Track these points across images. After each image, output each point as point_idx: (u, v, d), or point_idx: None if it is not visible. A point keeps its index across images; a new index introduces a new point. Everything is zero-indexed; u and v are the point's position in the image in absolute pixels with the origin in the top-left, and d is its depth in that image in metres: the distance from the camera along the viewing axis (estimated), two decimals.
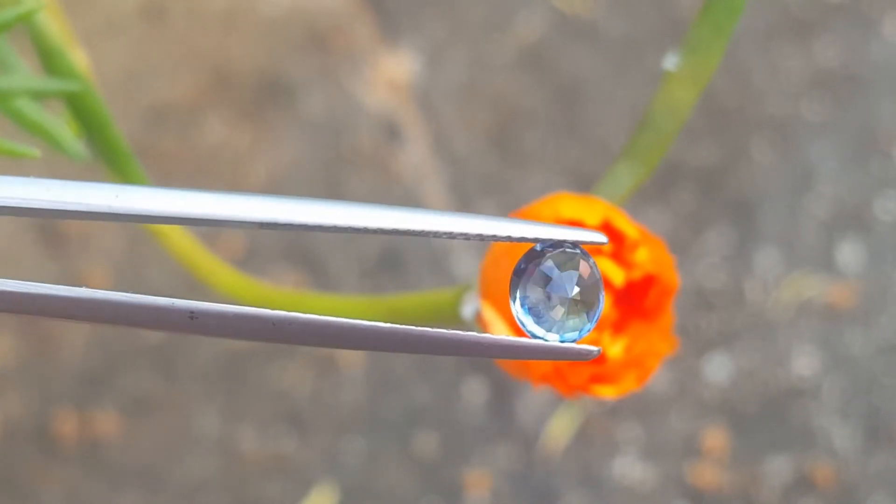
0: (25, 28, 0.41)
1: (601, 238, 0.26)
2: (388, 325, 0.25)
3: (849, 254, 1.03)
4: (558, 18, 1.14)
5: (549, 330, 0.26)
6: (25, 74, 0.41)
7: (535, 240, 0.25)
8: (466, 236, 0.25)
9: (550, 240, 0.26)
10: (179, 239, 0.49)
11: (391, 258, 1.02)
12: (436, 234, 0.25)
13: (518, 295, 0.26)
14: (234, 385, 0.99)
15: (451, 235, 0.25)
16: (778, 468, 0.96)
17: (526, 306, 0.26)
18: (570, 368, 0.35)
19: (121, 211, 0.24)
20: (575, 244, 0.26)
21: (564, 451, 0.97)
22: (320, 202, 0.24)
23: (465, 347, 0.25)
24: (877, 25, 1.13)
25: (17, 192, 0.23)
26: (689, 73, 0.39)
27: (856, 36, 1.12)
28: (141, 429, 0.97)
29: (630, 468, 0.97)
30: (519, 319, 0.26)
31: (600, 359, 0.35)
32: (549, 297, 0.26)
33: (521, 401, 0.98)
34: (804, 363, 1.00)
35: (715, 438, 0.97)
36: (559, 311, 0.26)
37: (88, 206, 0.24)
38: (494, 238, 0.25)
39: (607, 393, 0.36)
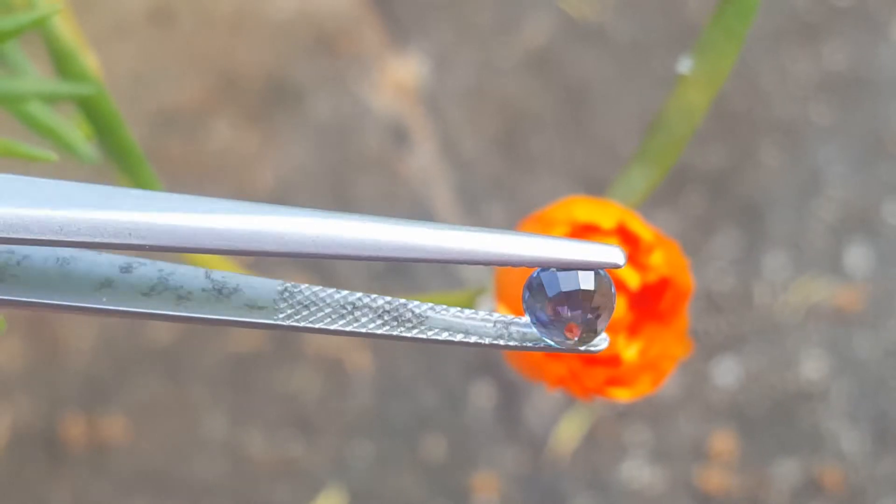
0: (36, 33, 0.41)
1: (619, 260, 0.25)
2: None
3: (857, 257, 1.03)
4: (566, 22, 1.14)
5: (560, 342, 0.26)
6: (36, 78, 0.41)
7: (551, 262, 0.25)
8: (478, 261, 0.24)
9: (566, 262, 0.25)
10: None
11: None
12: (445, 261, 0.24)
13: (529, 309, 0.26)
14: (241, 389, 0.99)
15: (461, 261, 0.24)
16: (786, 472, 0.96)
17: (536, 320, 0.26)
18: (586, 371, 0.35)
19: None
20: (591, 266, 0.25)
21: (572, 454, 0.97)
22: (323, 221, 0.24)
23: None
24: (885, 29, 1.13)
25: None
26: (703, 76, 0.39)
27: (864, 39, 1.12)
28: (148, 433, 0.97)
29: (638, 472, 0.97)
30: (534, 326, 0.26)
31: (615, 361, 0.35)
32: (559, 318, 0.25)
33: (529, 404, 0.98)
34: (812, 366, 1.00)
35: (723, 442, 0.97)
36: (569, 339, 0.26)
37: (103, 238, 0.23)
38: (506, 263, 0.25)
39: (622, 395, 0.36)
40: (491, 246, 0.24)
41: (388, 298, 0.25)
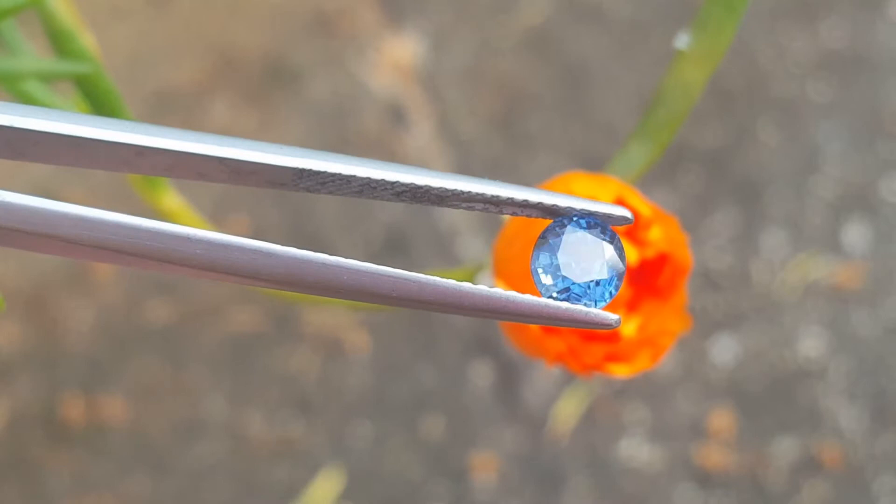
0: (33, 13, 0.41)
1: (627, 213, 0.26)
2: (426, 276, 0.25)
3: (855, 235, 1.03)
4: (563, 0, 1.13)
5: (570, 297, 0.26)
6: (34, 57, 0.41)
7: (562, 210, 0.25)
8: (496, 201, 0.25)
9: (576, 211, 0.25)
10: (189, 220, 0.49)
11: (397, 240, 1.02)
12: (467, 199, 0.25)
13: (540, 263, 0.26)
14: (240, 369, 0.99)
15: (480, 201, 0.25)
16: (785, 449, 0.96)
17: (550, 275, 0.26)
18: (585, 347, 0.35)
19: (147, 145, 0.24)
20: (599, 219, 0.26)
21: (571, 433, 0.97)
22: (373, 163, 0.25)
23: (490, 308, 0.25)
24: (883, 7, 1.13)
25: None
26: (701, 51, 0.39)
27: (862, 17, 1.12)
28: (148, 413, 0.98)
29: (637, 450, 0.97)
30: (543, 289, 0.26)
31: (614, 337, 0.35)
32: (574, 270, 0.25)
33: (527, 383, 0.98)
34: (811, 344, 1.00)
35: (722, 420, 0.97)
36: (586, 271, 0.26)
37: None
38: (523, 206, 0.25)
39: (621, 371, 0.36)
40: (508, 190, 0.25)
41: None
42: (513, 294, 0.25)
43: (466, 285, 0.25)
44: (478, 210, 0.25)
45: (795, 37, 1.11)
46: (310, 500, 0.95)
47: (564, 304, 0.26)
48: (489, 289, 0.25)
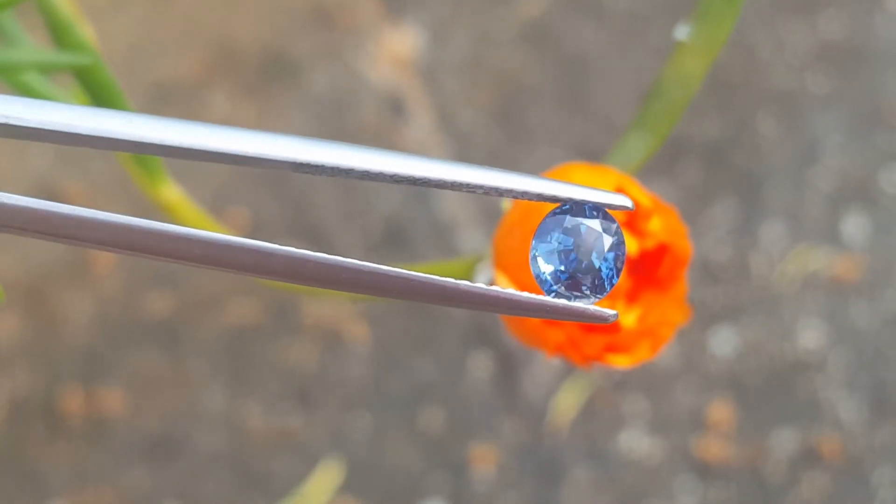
0: (32, 4, 0.41)
1: (627, 202, 0.25)
2: (417, 273, 0.25)
3: (854, 227, 1.03)
4: None
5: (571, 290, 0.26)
6: (33, 48, 0.41)
7: (562, 199, 0.25)
8: (496, 191, 0.25)
9: (576, 200, 0.25)
10: (188, 212, 0.49)
11: (396, 233, 1.02)
12: (468, 188, 0.25)
13: (539, 251, 0.26)
14: (239, 361, 0.99)
15: (480, 189, 0.25)
16: (784, 441, 0.96)
17: (550, 263, 0.26)
18: (585, 338, 0.35)
19: (138, 139, 0.25)
20: (599, 207, 0.26)
21: (571, 425, 0.97)
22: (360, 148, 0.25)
23: (484, 302, 0.25)
24: None
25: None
26: (701, 42, 0.39)
27: (860, 9, 1.12)
28: (147, 405, 0.98)
29: (637, 442, 0.97)
30: (541, 277, 0.26)
31: (615, 328, 0.35)
32: (573, 257, 0.25)
33: (527, 375, 0.98)
34: (810, 336, 1.00)
35: (721, 412, 0.97)
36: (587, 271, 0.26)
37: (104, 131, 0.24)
38: (523, 195, 0.25)
39: (621, 362, 0.36)
40: (505, 178, 0.25)
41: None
42: (511, 292, 0.25)
43: (465, 283, 0.25)
44: (479, 194, 0.25)
45: (794, 29, 1.11)
46: (309, 492, 0.95)
47: (562, 302, 0.26)
48: (487, 287, 0.25)
